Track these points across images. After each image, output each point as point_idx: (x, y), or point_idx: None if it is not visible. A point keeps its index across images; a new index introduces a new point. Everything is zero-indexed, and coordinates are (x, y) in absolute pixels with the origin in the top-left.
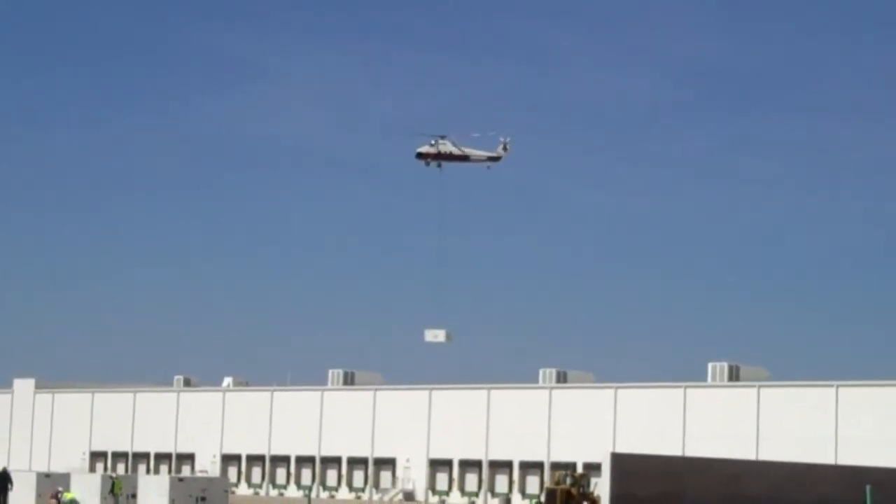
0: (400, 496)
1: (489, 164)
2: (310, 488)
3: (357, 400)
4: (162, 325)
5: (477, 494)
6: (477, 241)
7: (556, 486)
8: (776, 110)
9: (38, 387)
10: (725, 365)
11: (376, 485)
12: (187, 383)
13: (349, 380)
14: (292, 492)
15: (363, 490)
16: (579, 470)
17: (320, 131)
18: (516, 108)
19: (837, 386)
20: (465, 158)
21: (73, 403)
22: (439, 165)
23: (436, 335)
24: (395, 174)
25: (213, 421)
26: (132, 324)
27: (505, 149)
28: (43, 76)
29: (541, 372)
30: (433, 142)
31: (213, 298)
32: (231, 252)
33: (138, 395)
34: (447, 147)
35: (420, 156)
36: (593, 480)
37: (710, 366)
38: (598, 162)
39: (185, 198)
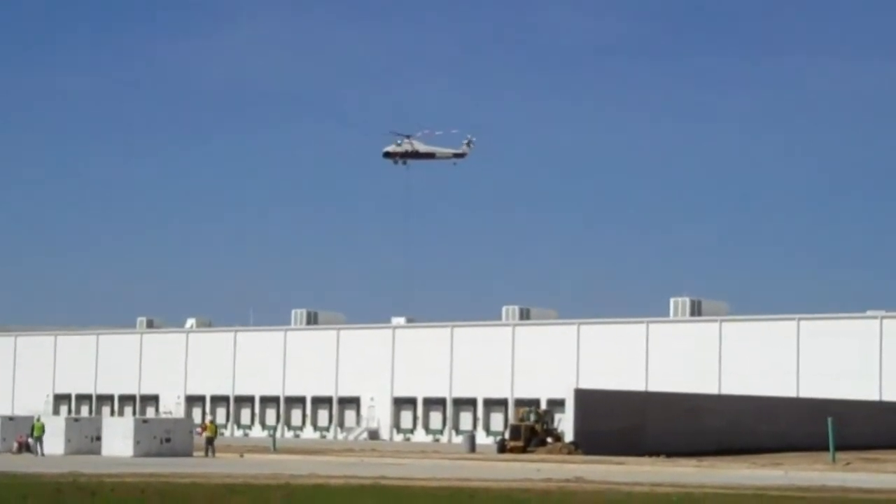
0: (364, 435)
1: (455, 160)
2: (274, 428)
3: (320, 340)
4: (124, 267)
5: (441, 432)
6: (440, 179)
7: (520, 423)
8: (740, 48)
9: (0, 330)
10: (687, 300)
11: (341, 424)
12: (150, 325)
13: (312, 320)
14: (257, 432)
15: (328, 429)
16: (543, 406)
17: (287, 73)
18: (482, 47)
19: (798, 319)
20: (430, 156)
21: (35, 346)
22: (405, 163)
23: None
24: (360, 115)
25: (176, 362)
26: (94, 266)
27: (469, 145)
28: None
29: (504, 309)
30: (399, 141)
31: (176, 239)
32: (193, 193)
33: (101, 337)
34: (413, 146)
35: (387, 155)
36: (557, 416)
37: (672, 301)
38: (562, 100)
39: (149, 141)
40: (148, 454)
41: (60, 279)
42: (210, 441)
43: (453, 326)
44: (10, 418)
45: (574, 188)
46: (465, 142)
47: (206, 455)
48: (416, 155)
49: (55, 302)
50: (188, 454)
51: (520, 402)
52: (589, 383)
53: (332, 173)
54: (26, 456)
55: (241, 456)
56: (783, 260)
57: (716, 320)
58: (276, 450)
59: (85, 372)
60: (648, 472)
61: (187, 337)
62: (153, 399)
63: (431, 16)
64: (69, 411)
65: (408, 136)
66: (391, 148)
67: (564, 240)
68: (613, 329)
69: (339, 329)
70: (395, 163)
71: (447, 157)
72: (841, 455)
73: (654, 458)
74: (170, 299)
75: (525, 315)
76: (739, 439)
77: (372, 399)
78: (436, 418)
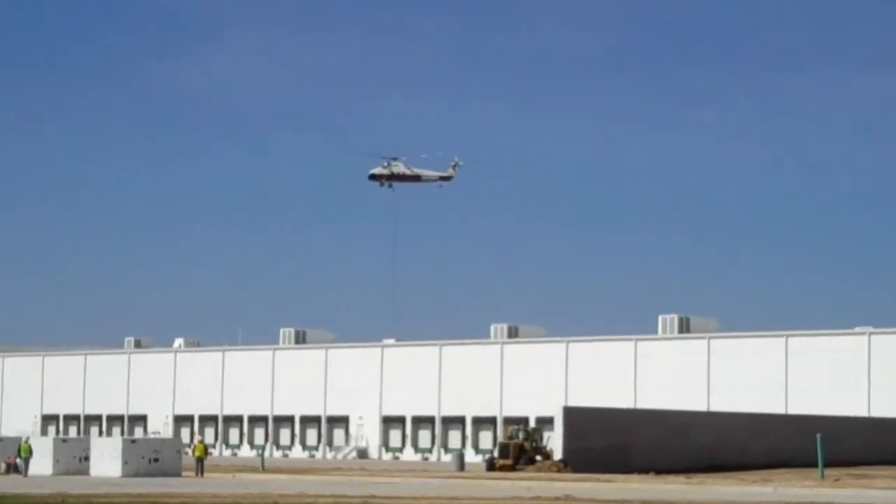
0: (353, 454)
1: (440, 183)
2: (263, 447)
3: (309, 359)
4: (111, 287)
5: (430, 451)
6: (427, 198)
7: (509, 441)
8: (727, 61)
9: None
10: (676, 317)
11: (330, 443)
12: (138, 345)
13: (301, 339)
14: (245, 451)
15: (317, 448)
16: (532, 424)
17: (274, 91)
18: (467, 60)
19: (787, 335)
20: (416, 179)
21: (23, 367)
22: (391, 186)
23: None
24: (348, 134)
25: (164, 382)
26: (82, 286)
27: (455, 168)
28: None
29: (492, 327)
30: (385, 164)
31: (163, 259)
32: (181, 212)
33: (89, 357)
34: (399, 168)
35: (373, 177)
36: (546, 434)
37: (660, 318)
38: (550, 115)
39: (134, 159)
40: (136, 474)
41: (48, 300)
42: (200, 461)
43: (442, 345)
44: None
45: (561, 205)
46: (452, 165)
47: (196, 475)
48: (401, 178)
49: (43, 322)
50: (177, 474)
51: (509, 421)
52: (578, 401)
53: (320, 192)
54: (14, 477)
55: (233, 476)
56: (772, 276)
57: (704, 337)
58: (264, 469)
59: (73, 392)
60: (637, 489)
61: (175, 357)
62: (141, 419)
63: (419, 31)
64: (57, 432)
65: (394, 158)
66: (377, 170)
67: (552, 257)
68: (602, 346)
69: (327, 348)
70: (381, 185)
71: (433, 179)
72: (830, 471)
73: (643, 476)
74: (157, 319)
75: (513, 333)
76: (729, 456)
77: (361, 418)
78: (425, 437)
